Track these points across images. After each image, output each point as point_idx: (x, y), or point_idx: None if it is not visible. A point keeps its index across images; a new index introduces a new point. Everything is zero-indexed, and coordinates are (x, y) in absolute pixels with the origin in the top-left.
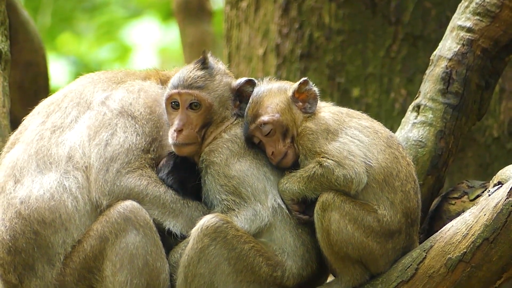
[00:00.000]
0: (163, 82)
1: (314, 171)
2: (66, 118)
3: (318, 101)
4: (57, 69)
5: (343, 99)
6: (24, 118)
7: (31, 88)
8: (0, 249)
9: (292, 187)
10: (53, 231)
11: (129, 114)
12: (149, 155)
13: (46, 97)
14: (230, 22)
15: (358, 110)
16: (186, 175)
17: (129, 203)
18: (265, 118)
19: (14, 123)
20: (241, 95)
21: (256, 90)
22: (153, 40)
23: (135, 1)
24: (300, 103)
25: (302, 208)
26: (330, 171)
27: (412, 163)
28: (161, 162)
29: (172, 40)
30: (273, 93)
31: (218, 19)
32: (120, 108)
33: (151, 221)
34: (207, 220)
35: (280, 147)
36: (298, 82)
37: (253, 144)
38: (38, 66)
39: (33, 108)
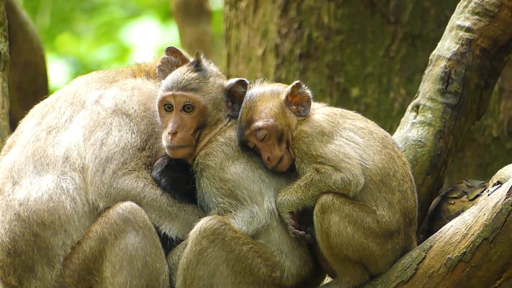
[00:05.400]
0: (151, 76)
1: (312, 178)
2: (60, 118)
3: (312, 103)
4: (56, 69)
5: (342, 99)
6: (20, 120)
7: (30, 88)
8: (0, 251)
9: (290, 197)
10: (52, 232)
11: (123, 112)
12: (145, 153)
13: (45, 98)
14: (229, 22)
15: (357, 110)
16: (179, 176)
17: (128, 204)
18: (259, 123)
19: (13, 124)
20: (233, 95)
21: (248, 94)
22: (152, 40)
23: (134, 2)
24: (294, 107)
25: (297, 225)
26: (328, 176)
27: (408, 163)
28: (156, 162)
29: (171, 40)
30: (266, 97)
31: (217, 19)
32: (114, 107)
33: (150, 222)
34: (205, 222)
35: (275, 152)
36: (290, 86)
37: (248, 148)
38: (37, 66)
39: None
